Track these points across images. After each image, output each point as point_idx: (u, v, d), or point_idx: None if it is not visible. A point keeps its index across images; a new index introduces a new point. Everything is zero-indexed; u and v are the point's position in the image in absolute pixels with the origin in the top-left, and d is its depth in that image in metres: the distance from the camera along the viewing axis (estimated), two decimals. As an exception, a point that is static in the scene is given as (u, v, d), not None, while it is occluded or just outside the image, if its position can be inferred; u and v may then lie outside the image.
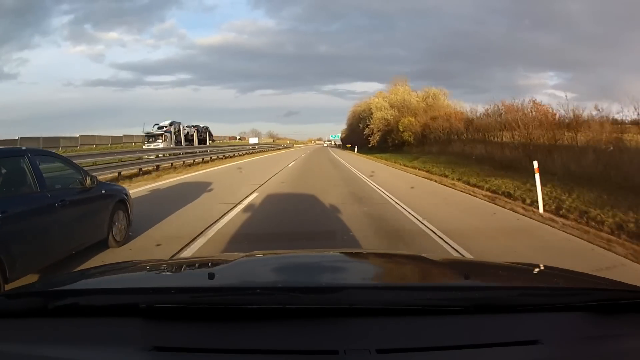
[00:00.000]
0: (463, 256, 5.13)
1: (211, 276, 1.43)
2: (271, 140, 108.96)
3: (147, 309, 1.22)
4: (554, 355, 1.16)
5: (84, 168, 5.94)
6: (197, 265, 2.15)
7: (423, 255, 2.11)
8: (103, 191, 5.49)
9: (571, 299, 1.39)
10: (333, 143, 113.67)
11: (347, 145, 65.84)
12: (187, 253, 5.31)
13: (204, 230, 6.54)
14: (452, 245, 5.80)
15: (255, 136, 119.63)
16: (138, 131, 39.67)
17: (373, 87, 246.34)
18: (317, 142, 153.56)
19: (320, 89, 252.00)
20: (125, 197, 6.05)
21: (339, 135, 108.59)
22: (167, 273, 1.88)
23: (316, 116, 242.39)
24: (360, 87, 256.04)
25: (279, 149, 63.10)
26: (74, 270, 3.69)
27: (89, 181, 5.09)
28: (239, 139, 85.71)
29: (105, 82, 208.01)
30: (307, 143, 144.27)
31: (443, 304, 1.31)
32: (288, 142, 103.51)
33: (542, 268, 1.93)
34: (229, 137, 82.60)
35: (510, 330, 1.23)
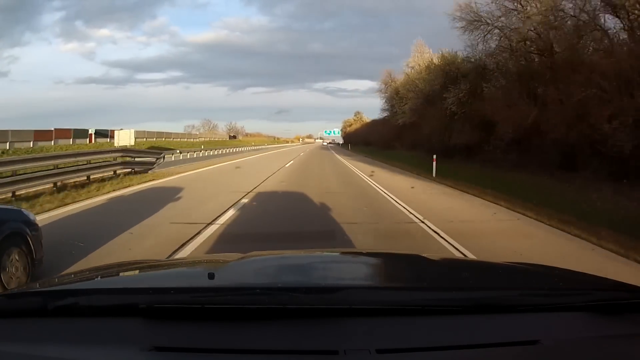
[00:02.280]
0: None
1: (211, 276, 1.43)
2: (226, 137, 68.33)
3: (147, 309, 1.22)
4: (554, 355, 1.15)
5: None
6: (197, 265, 2.15)
7: (423, 255, 2.11)
8: None
9: (571, 299, 1.39)
10: (333, 141, 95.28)
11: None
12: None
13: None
14: None
15: (211, 129, 69.96)
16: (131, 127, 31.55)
17: (365, 85, 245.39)
18: (307, 139, 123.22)
19: (312, 86, 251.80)
20: (24, 228, 4.07)
21: (337, 130, 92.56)
22: (167, 273, 1.88)
23: (307, 114, 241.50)
24: (351, 85, 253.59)
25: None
26: (74, 271, 3.69)
27: None
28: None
29: (96, 80, 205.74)
30: (292, 142, 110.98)
31: (443, 304, 1.31)
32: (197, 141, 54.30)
33: (542, 268, 1.93)
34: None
35: (510, 330, 1.23)
